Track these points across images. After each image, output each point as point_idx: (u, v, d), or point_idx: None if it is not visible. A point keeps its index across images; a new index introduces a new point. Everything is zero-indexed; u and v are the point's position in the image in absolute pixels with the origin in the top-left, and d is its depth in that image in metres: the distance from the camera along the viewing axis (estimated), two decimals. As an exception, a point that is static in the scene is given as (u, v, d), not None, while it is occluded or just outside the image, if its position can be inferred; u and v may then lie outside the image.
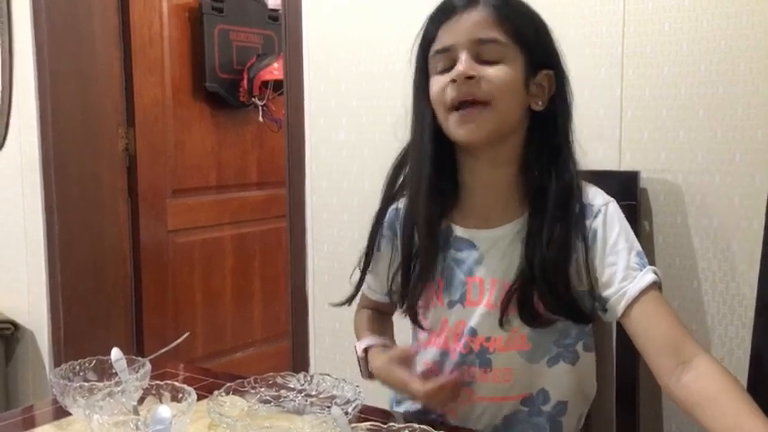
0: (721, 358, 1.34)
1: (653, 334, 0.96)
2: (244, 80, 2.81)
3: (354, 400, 0.99)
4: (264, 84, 2.80)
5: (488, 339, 1.04)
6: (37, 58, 2.33)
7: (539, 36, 1.02)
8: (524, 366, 1.04)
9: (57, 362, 2.40)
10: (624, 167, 1.41)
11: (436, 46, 1.01)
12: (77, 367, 1.06)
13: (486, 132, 0.98)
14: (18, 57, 2.41)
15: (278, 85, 2.76)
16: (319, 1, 1.80)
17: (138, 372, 1.01)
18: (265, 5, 2.93)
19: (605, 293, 1.00)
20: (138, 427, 0.83)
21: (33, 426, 1.01)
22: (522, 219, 1.03)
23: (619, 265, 0.99)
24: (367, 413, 1.02)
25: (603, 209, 1.03)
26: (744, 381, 1.22)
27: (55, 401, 1.05)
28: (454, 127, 0.99)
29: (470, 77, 0.96)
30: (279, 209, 2.81)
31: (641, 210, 1.39)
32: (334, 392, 1.04)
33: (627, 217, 1.36)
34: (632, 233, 1.05)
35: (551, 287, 0.99)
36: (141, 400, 0.97)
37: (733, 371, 1.31)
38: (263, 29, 2.92)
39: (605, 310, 1.02)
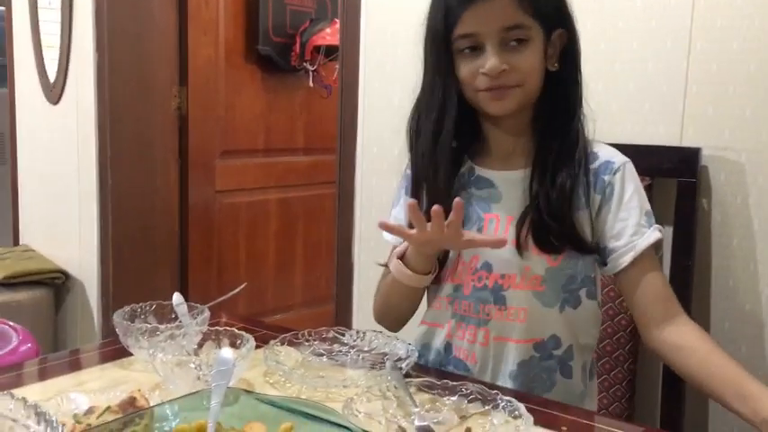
0: (774, 341, 1.32)
1: (649, 288, 1.05)
2: (296, 44, 2.81)
3: (407, 357, 1.00)
4: (316, 49, 2.80)
5: (503, 277, 1.07)
6: (96, 17, 2.37)
7: (554, 4, 1.06)
8: (538, 309, 1.07)
9: (104, 312, 2.47)
10: (686, 143, 1.38)
11: (460, 30, 1.03)
12: (138, 310, 1.09)
13: (515, 106, 1.05)
14: (77, 15, 2.45)
15: (330, 50, 2.76)
16: (380, -36, 1.79)
17: (197, 317, 1.03)
18: (320, -30, 2.93)
19: (612, 245, 1.07)
20: (198, 368, 0.85)
21: (96, 363, 1.05)
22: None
23: (630, 221, 1.06)
24: (419, 371, 1.03)
25: (622, 167, 1.09)
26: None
27: (111, 343, 1.08)
28: (485, 104, 1.05)
29: (502, 72, 1.01)
30: (324, 175, 2.83)
31: (700, 187, 1.36)
32: (386, 350, 1.06)
33: (685, 194, 1.36)
34: (644, 193, 1.11)
35: (558, 218, 1.05)
36: (200, 345, 0.99)
37: (788, 352, 1.30)
38: (317, -6, 2.92)
39: (605, 264, 1.08)
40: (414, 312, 1.20)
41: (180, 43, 2.57)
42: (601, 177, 1.08)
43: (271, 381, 0.97)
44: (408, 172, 1.18)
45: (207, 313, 1.04)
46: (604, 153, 1.10)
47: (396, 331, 1.19)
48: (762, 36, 1.29)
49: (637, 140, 1.40)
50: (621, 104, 1.42)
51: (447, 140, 1.07)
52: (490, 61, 1.00)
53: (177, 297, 1.04)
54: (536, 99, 1.08)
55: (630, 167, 1.10)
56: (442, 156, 1.08)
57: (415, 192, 1.14)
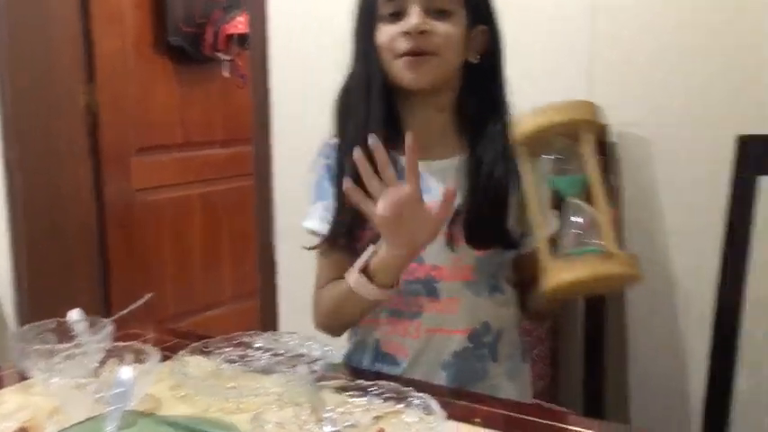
0: (687, 312, 1.36)
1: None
2: (208, 34, 2.72)
3: (322, 358, 0.98)
4: (230, 37, 2.72)
5: (434, 268, 1.07)
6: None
7: None
8: (470, 298, 1.08)
9: (22, 326, 2.36)
10: (594, 121, 1.40)
11: None
12: (38, 329, 1.03)
13: (430, 79, 1.05)
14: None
15: (244, 39, 2.68)
16: (283, -50, 1.74)
17: (99, 333, 0.98)
18: (229, -44, 2.83)
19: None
20: (97, 390, 0.81)
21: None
22: (461, 156, 1.10)
23: None
24: (335, 371, 1.01)
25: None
26: (706, 332, 1.24)
27: (13, 365, 1.02)
28: (401, 73, 1.05)
29: (422, 32, 1.02)
30: (247, 166, 2.75)
31: (610, 163, 1.38)
32: (302, 351, 1.03)
33: (596, 171, 1.37)
34: None
35: (491, 216, 1.07)
36: (104, 362, 0.95)
37: (697, 322, 1.34)
38: (226, -20, 2.83)
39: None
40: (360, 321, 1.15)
41: (84, 38, 2.45)
42: None
43: (180, 395, 0.93)
44: (327, 162, 1.14)
45: (109, 328, 0.99)
46: None
47: (339, 335, 1.17)
48: (663, 12, 1.31)
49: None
50: (530, 86, 1.41)
51: (377, 114, 1.07)
52: (412, 19, 1.02)
53: (74, 314, 0.98)
54: (455, 88, 1.10)
55: None
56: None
57: (338, 176, 1.09)
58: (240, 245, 2.97)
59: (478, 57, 1.08)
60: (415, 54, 1.03)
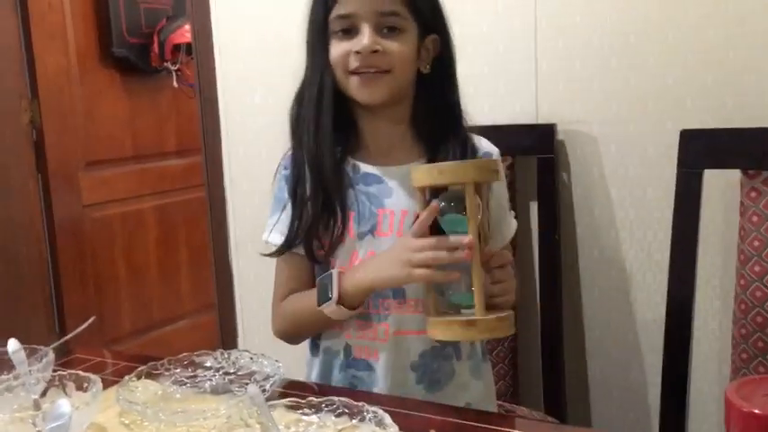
0: (641, 304, 1.37)
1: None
2: (154, 44, 2.67)
3: (274, 376, 0.96)
4: (177, 47, 2.68)
5: None
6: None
7: (430, 4, 1.09)
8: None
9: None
10: (541, 120, 1.40)
11: (338, 11, 1.04)
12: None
13: (384, 95, 1.06)
14: None
15: (191, 48, 2.64)
16: (223, -42, 1.71)
17: (40, 362, 0.95)
18: (173, -36, 2.79)
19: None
20: (36, 424, 0.78)
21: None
22: (421, 161, 1.10)
23: (501, 209, 1.15)
24: (288, 388, 0.99)
25: (498, 157, 1.15)
26: (662, 325, 1.25)
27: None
28: (354, 89, 1.06)
29: (374, 51, 1.02)
30: (201, 177, 2.71)
31: (559, 162, 1.39)
32: (254, 368, 1.01)
33: (546, 170, 1.38)
34: None
35: None
36: (45, 393, 0.91)
37: (651, 315, 1.35)
38: (171, -11, 2.79)
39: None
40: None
41: (26, 52, 2.38)
42: None
43: (127, 421, 0.90)
44: (285, 173, 1.14)
45: (51, 356, 0.95)
46: (483, 144, 1.14)
47: (298, 344, 1.17)
48: (603, 8, 1.32)
49: (496, 121, 1.40)
50: (477, 86, 1.41)
51: (328, 125, 1.07)
52: (364, 40, 1.02)
53: (12, 344, 0.94)
54: (410, 98, 1.11)
55: (500, 159, 1.16)
56: (326, 142, 1.07)
57: (295, 184, 1.10)
58: (198, 257, 2.91)
59: (428, 67, 1.09)
60: (368, 71, 1.04)
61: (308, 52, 1.11)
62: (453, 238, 0.95)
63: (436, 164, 1.00)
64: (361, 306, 1.05)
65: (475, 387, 1.12)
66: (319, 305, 1.03)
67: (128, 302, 2.75)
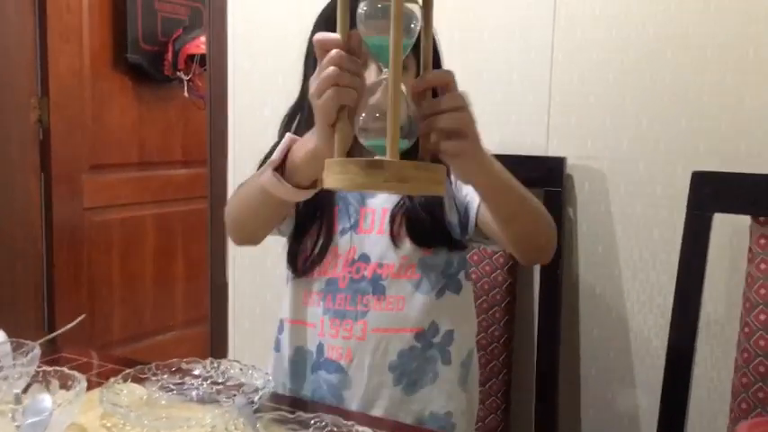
0: (640, 347, 1.35)
1: None
2: (168, 53, 2.68)
3: (263, 388, 0.93)
4: (190, 58, 2.69)
5: (381, 266, 1.08)
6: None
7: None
8: (417, 297, 1.08)
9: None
10: (551, 153, 1.39)
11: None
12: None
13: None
14: None
15: (204, 59, 2.64)
16: (245, -29, 1.72)
17: (26, 356, 0.92)
18: (193, -25, 2.81)
19: (466, 209, 1.10)
20: (15, 418, 0.75)
21: None
22: None
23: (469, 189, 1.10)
24: (276, 401, 0.97)
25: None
26: (660, 370, 1.22)
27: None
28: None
29: None
30: (204, 189, 2.71)
31: (566, 196, 1.38)
32: (243, 380, 0.99)
33: (552, 204, 1.37)
34: None
35: (428, 212, 1.08)
36: (28, 388, 0.89)
37: (650, 359, 1.33)
38: (190, 0, 2.80)
39: (466, 230, 1.11)
40: (273, 228, 1.11)
41: (40, 51, 2.39)
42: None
43: (108, 424, 0.87)
44: None
45: (37, 351, 0.93)
46: None
47: (245, 245, 1.15)
48: (619, 46, 1.32)
49: (505, 151, 1.39)
50: (489, 116, 1.41)
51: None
52: (370, 75, 0.99)
53: (-2, 335, 0.92)
54: None
55: None
56: None
57: None
58: (194, 268, 2.90)
59: None
60: None
61: (305, 67, 1.12)
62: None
63: None
64: (313, 187, 0.92)
65: (458, 398, 1.11)
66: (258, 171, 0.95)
67: (120, 308, 2.72)
